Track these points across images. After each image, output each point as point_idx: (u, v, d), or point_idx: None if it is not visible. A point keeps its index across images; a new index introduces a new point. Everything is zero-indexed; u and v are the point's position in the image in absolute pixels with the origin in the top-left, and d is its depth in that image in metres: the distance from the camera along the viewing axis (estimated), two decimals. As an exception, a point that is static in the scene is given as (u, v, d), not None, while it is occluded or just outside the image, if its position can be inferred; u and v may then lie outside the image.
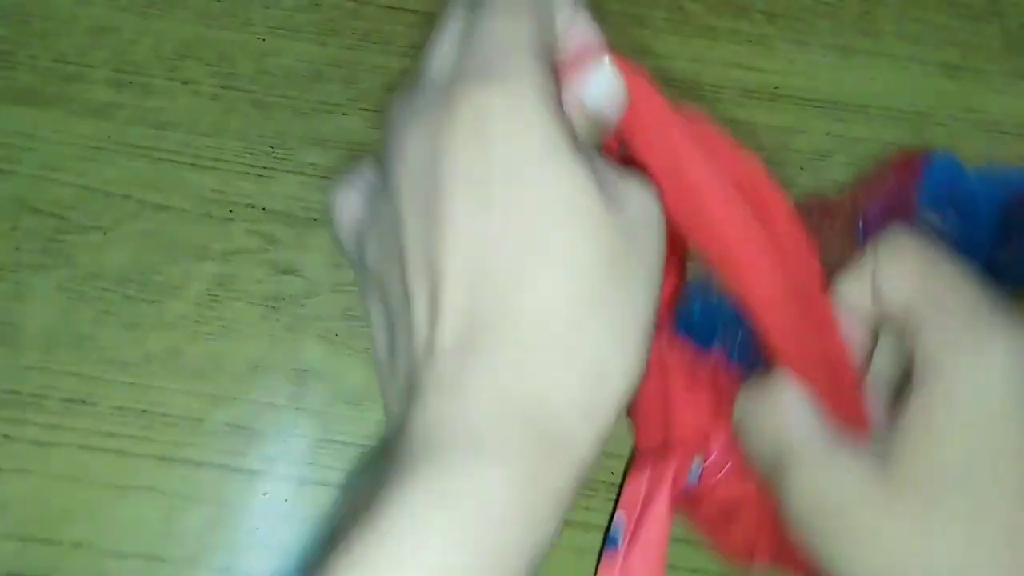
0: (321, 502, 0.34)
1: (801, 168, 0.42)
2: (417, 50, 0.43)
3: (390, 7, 0.44)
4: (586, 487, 0.18)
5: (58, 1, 0.42)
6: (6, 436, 0.34)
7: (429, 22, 0.44)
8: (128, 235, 0.38)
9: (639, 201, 0.19)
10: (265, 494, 0.34)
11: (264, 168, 0.40)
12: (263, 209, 0.39)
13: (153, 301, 0.37)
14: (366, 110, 0.41)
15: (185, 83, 0.41)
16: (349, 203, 0.21)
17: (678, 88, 0.43)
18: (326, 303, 0.37)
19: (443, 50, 0.20)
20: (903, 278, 0.21)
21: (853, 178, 0.42)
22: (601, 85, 0.20)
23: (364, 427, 0.35)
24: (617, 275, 0.18)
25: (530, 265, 0.17)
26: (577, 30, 0.20)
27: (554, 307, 0.17)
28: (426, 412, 0.17)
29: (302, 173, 0.40)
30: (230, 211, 0.39)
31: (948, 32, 0.46)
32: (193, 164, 0.39)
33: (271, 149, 0.40)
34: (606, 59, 0.20)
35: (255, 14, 0.43)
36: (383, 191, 0.20)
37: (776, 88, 0.44)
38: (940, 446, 0.19)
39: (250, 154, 0.40)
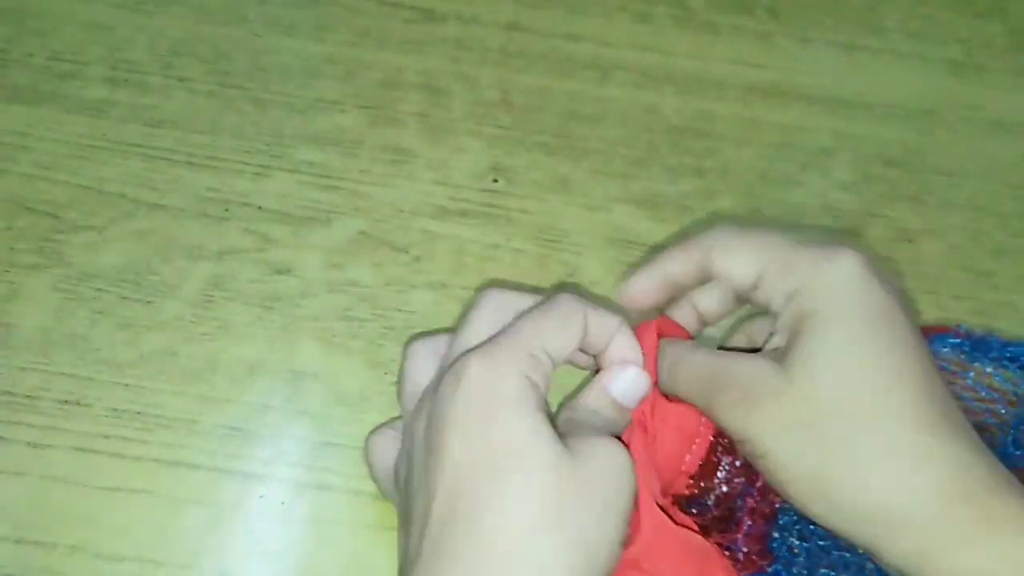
0: (318, 504, 0.34)
1: (804, 166, 0.42)
2: (415, 46, 0.42)
3: (387, 4, 0.44)
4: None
5: (53, -3, 0.42)
6: (1, 438, 0.34)
7: (425, 18, 0.44)
8: (123, 234, 0.37)
9: (604, 454, 0.24)
10: (261, 496, 0.33)
11: (260, 166, 0.39)
12: (259, 208, 0.38)
13: (148, 301, 0.36)
14: (363, 107, 0.41)
15: (181, 80, 0.41)
16: (380, 446, 0.29)
17: (680, 85, 0.43)
18: (323, 303, 0.37)
19: (465, 336, 0.26)
20: (745, 256, 0.26)
21: (857, 176, 0.42)
22: (629, 384, 0.26)
23: (361, 429, 0.35)
24: (569, 506, 0.22)
25: (495, 490, 0.22)
26: (621, 343, 0.26)
27: (509, 523, 0.22)
28: None
29: (299, 171, 0.39)
30: (226, 210, 0.38)
31: (952, 29, 0.46)
32: (189, 162, 0.39)
33: (267, 147, 0.40)
34: (638, 369, 0.26)
35: (251, 11, 0.43)
36: (406, 434, 0.27)
37: (779, 85, 0.44)
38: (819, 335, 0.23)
39: (246, 152, 0.39)
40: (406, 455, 0.26)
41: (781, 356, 0.24)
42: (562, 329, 0.25)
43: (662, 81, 0.43)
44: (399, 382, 0.29)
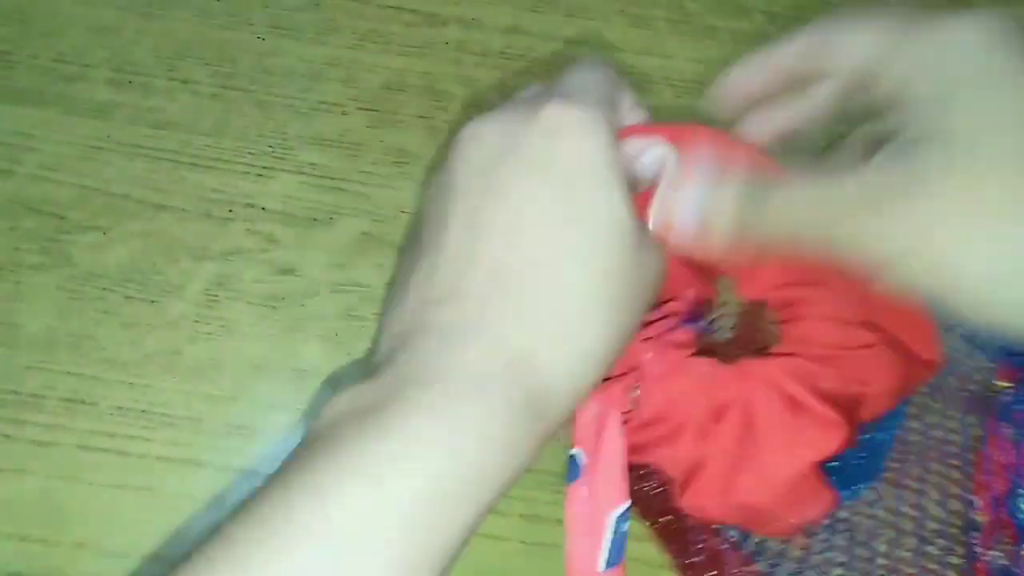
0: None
1: (801, 168, 0.42)
2: (417, 49, 0.43)
3: (390, 7, 0.44)
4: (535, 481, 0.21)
5: (58, 1, 0.42)
6: (6, 436, 0.34)
7: (427, 22, 0.45)
8: (128, 235, 0.38)
9: (654, 248, 0.23)
10: (265, 494, 0.34)
11: (264, 168, 0.40)
12: (263, 209, 0.39)
13: (153, 301, 0.36)
14: (365, 109, 0.41)
15: (185, 83, 0.41)
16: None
17: (679, 88, 0.43)
18: (326, 303, 0.37)
19: (532, 90, 0.25)
20: (864, 37, 0.23)
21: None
22: (654, 157, 0.24)
23: (364, 427, 0.35)
24: (624, 290, 0.21)
25: (561, 254, 0.21)
26: (637, 119, 0.25)
27: (569, 293, 0.21)
28: (440, 347, 0.20)
29: (302, 173, 0.40)
30: (230, 211, 0.39)
31: (949, 32, 0.46)
32: (193, 164, 0.39)
33: (271, 149, 0.40)
34: (662, 141, 0.24)
35: (255, 13, 0.43)
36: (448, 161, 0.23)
37: (776, 88, 0.44)
38: (946, 116, 0.19)
39: (250, 154, 0.40)
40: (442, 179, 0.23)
41: (913, 147, 0.19)
42: (625, 91, 0.25)
43: (661, 84, 0.44)
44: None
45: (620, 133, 0.24)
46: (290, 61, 0.42)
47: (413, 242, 0.24)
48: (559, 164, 0.21)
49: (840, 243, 0.20)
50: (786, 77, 0.25)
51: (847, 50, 0.23)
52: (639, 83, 0.43)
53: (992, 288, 0.19)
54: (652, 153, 0.24)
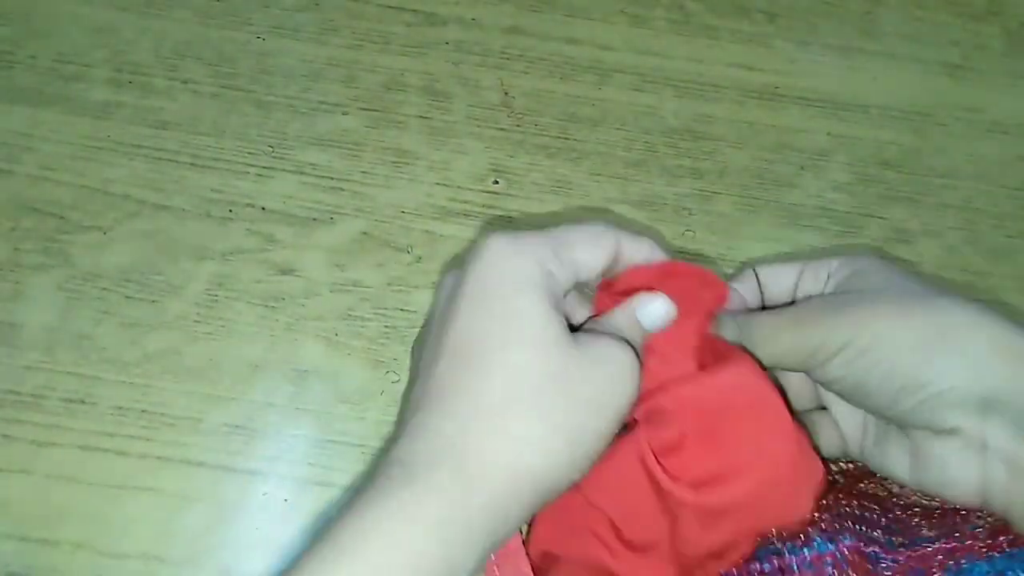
0: (321, 502, 0.34)
1: (802, 168, 0.42)
2: (417, 49, 0.43)
3: (389, 7, 0.44)
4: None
5: (58, 1, 0.42)
6: (6, 436, 0.34)
7: (427, 22, 0.45)
8: (127, 235, 0.38)
9: (612, 351, 0.25)
10: (265, 494, 0.34)
11: (264, 167, 0.40)
12: (262, 208, 0.39)
13: (153, 301, 0.36)
14: (365, 109, 0.41)
15: (185, 83, 0.41)
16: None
17: (679, 88, 0.43)
18: (325, 303, 0.37)
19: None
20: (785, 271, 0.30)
21: (854, 178, 0.42)
22: (657, 310, 0.27)
23: (364, 427, 0.35)
24: (556, 390, 0.23)
25: (491, 359, 0.23)
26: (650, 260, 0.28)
27: (495, 396, 0.23)
28: (403, 444, 0.23)
29: (302, 172, 0.40)
30: (230, 211, 0.39)
31: (948, 32, 0.46)
32: (193, 164, 0.39)
33: (271, 148, 0.40)
34: (667, 299, 0.27)
35: (255, 14, 0.43)
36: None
37: (777, 88, 0.44)
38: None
39: (250, 154, 0.40)
40: (429, 320, 0.27)
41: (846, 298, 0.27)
42: (593, 245, 0.26)
43: (660, 84, 0.44)
44: None
45: (623, 274, 0.27)
46: (290, 61, 0.42)
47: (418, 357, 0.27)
48: (480, 286, 0.24)
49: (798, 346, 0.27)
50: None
51: (780, 278, 0.30)
52: (639, 84, 0.43)
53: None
54: (653, 306, 0.27)
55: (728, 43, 0.45)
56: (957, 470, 0.24)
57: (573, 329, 0.25)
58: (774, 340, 0.27)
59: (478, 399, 0.23)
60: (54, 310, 0.36)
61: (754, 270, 0.31)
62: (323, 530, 0.21)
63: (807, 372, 0.27)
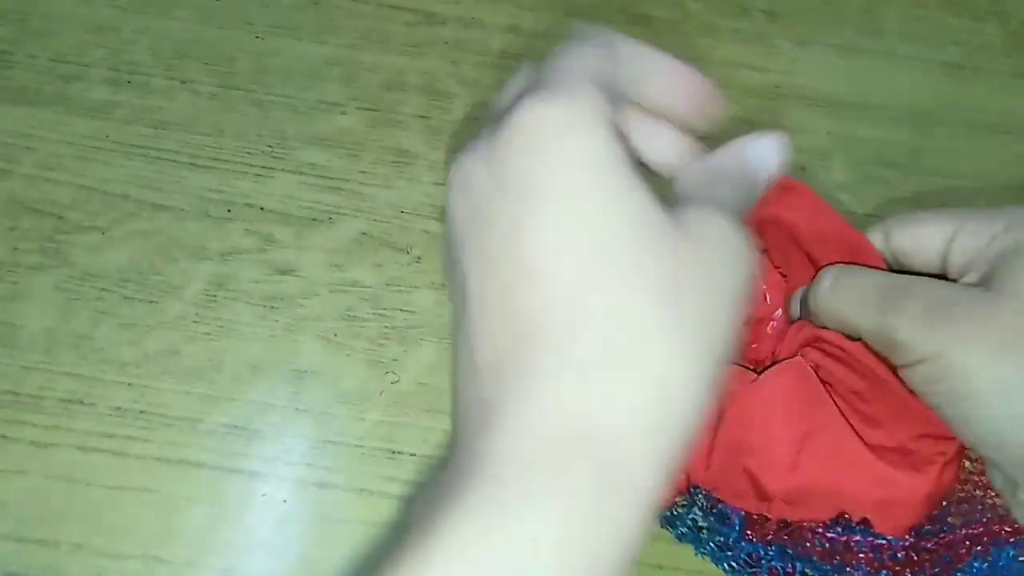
0: (320, 503, 0.34)
1: (802, 168, 0.42)
2: (417, 48, 0.43)
3: (389, 6, 0.44)
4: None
5: (57, 1, 0.42)
6: (4, 437, 0.34)
7: (428, 20, 0.45)
8: (126, 235, 0.38)
9: (716, 228, 0.19)
10: (264, 495, 0.34)
11: (263, 167, 0.39)
12: (261, 208, 0.39)
13: (151, 301, 0.36)
14: (364, 109, 0.41)
15: (183, 82, 0.41)
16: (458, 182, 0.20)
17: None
18: (325, 303, 0.37)
19: (508, 91, 0.21)
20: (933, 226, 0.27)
21: (855, 178, 0.42)
22: (770, 150, 0.23)
23: (363, 428, 0.35)
24: (685, 297, 0.17)
25: (594, 277, 0.17)
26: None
27: (617, 321, 0.17)
28: (486, 437, 0.17)
29: (301, 172, 0.39)
30: (228, 211, 0.38)
31: (950, 31, 0.46)
32: (191, 163, 0.39)
33: (270, 148, 0.40)
34: (781, 134, 0.23)
35: (254, 13, 0.43)
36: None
37: (777, 87, 0.44)
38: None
39: (248, 153, 0.40)
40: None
41: (984, 282, 0.23)
42: (602, 60, 0.20)
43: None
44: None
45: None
46: (289, 60, 0.42)
47: (452, 293, 0.21)
48: (549, 184, 0.17)
49: (881, 327, 0.23)
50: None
51: (923, 239, 0.27)
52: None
53: (1005, 409, 0.21)
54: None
55: (729, 42, 0.45)
56: None
57: None
58: (855, 312, 0.24)
59: (599, 331, 0.17)
60: (52, 310, 0.36)
61: (883, 230, 0.27)
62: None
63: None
